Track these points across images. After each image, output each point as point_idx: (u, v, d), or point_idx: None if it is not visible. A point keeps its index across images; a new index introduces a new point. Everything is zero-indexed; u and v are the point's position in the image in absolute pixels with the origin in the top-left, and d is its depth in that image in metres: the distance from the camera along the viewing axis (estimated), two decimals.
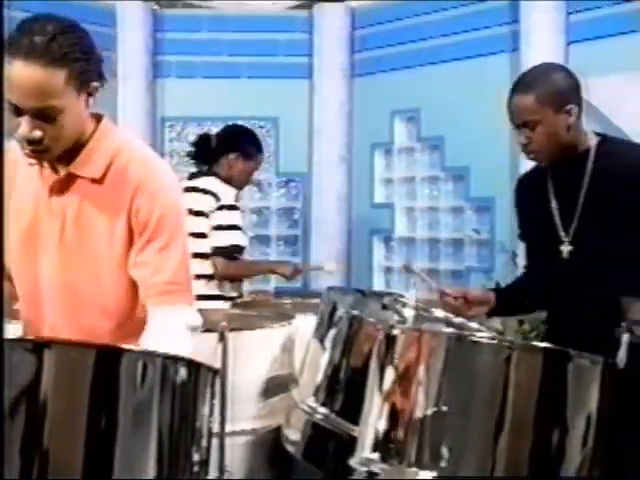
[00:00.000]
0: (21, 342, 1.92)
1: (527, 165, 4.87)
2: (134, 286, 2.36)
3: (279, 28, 6.38)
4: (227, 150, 4.42)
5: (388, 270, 6.19)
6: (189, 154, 4.53)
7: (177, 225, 2.40)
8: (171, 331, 2.30)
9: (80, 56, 2.17)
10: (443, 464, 2.11)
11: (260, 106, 6.19)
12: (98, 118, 2.37)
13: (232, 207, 4.22)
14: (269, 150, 6.33)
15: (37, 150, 2.22)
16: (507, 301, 3.24)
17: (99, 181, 2.32)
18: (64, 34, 2.14)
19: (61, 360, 1.89)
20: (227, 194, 4.24)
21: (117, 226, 2.32)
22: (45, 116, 2.15)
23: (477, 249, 5.65)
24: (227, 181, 4.38)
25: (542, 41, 5.01)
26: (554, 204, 3.07)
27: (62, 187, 2.33)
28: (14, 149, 2.37)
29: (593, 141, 3.00)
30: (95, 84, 2.25)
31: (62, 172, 2.31)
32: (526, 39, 5.12)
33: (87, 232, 2.33)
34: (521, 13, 5.18)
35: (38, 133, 2.16)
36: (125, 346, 2.03)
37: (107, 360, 1.92)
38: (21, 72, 2.10)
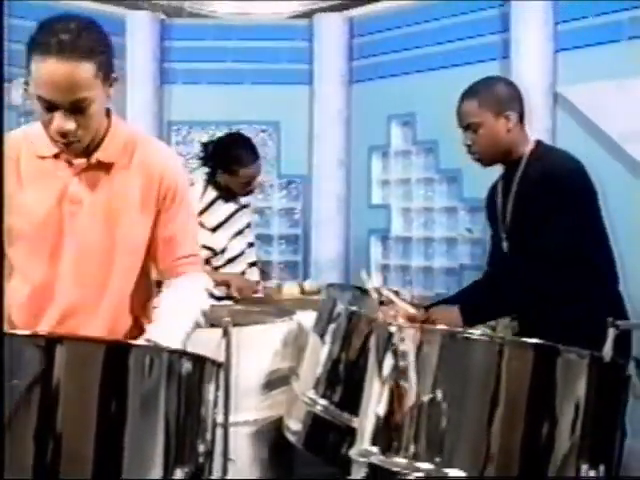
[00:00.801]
0: (34, 338, 1.92)
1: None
2: (139, 267, 2.42)
3: (280, 36, 6.37)
4: (215, 165, 4.36)
5: (385, 268, 6.18)
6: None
7: (190, 204, 2.56)
8: (194, 296, 2.46)
9: (104, 49, 2.24)
10: (439, 455, 2.11)
11: (262, 111, 6.18)
12: (107, 111, 2.40)
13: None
14: (271, 153, 6.34)
15: (71, 142, 2.24)
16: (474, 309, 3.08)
17: (124, 166, 2.37)
18: (87, 30, 2.21)
19: (72, 355, 1.89)
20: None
21: (145, 205, 2.38)
22: (78, 108, 2.18)
23: (470, 247, 5.64)
24: (227, 190, 4.34)
25: (531, 49, 5.00)
26: (498, 204, 3.23)
27: (88, 174, 2.34)
28: (13, 146, 2.36)
29: (529, 148, 3.15)
30: (114, 75, 2.30)
31: (90, 160, 2.33)
32: (516, 47, 5.12)
33: (115, 215, 2.35)
34: (511, 23, 5.18)
35: (72, 125, 2.19)
36: (133, 342, 2.03)
37: (116, 355, 1.92)
38: (54, 69, 2.13)
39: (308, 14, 6.40)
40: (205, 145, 4.52)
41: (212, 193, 4.31)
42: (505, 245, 3.14)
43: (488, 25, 5.39)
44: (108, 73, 2.25)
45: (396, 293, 3.46)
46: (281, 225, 6.43)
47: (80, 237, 2.33)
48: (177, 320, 2.34)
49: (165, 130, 6.29)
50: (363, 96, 6.21)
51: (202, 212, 4.20)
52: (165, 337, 2.21)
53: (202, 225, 4.10)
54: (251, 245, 4.49)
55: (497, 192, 3.27)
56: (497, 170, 5.12)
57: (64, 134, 2.21)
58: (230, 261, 4.31)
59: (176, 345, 2.19)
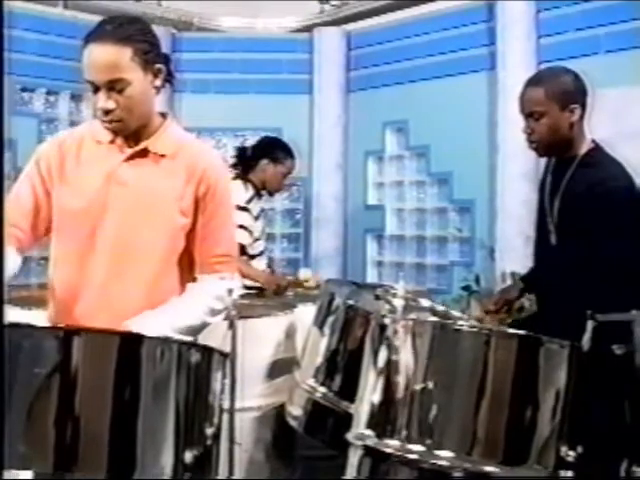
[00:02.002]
0: (54, 330, 1.92)
1: (504, 171, 4.89)
2: (175, 255, 2.41)
3: (283, 49, 6.37)
4: (260, 157, 4.50)
5: (380, 264, 6.18)
6: (230, 165, 4.52)
7: (231, 206, 2.56)
8: (204, 299, 2.39)
9: (143, 39, 2.31)
10: (429, 438, 2.11)
11: (266, 118, 6.18)
12: (164, 115, 2.48)
13: (242, 208, 4.22)
14: None
15: (113, 120, 2.30)
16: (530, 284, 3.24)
17: (171, 157, 2.39)
18: (130, 23, 2.31)
19: (89, 346, 1.89)
20: (239, 197, 4.24)
21: (185, 197, 2.38)
22: (116, 88, 2.25)
23: (459, 246, 5.65)
24: (262, 185, 4.48)
25: (516, 61, 5.01)
26: (547, 198, 3.05)
27: (136, 160, 2.38)
28: (62, 141, 2.45)
29: (585, 148, 2.96)
30: (159, 66, 2.35)
31: (139, 147, 2.38)
32: (502, 59, 5.12)
33: (154, 199, 2.37)
34: (497, 37, 5.19)
35: (112, 104, 2.27)
36: (145, 334, 2.03)
37: (129, 346, 1.92)
38: (95, 51, 2.25)
39: (308, 28, 6.41)
40: (241, 149, 4.66)
41: (251, 190, 4.43)
42: (553, 238, 2.99)
43: (476, 39, 5.40)
44: (149, 61, 2.31)
45: (390, 288, 3.47)
46: (284, 224, 6.44)
47: (121, 217, 2.35)
48: (170, 312, 2.33)
49: None
50: (359, 104, 6.21)
51: (248, 202, 4.37)
52: (141, 325, 2.18)
53: (249, 210, 4.33)
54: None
55: (546, 186, 3.08)
56: (484, 174, 5.09)
57: (106, 112, 2.27)
58: (255, 256, 4.36)
59: (151, 332, 2.10)
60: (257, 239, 4.38)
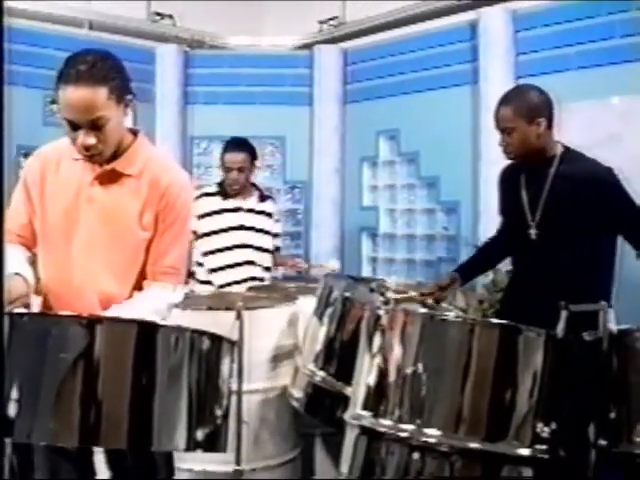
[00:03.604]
0: (78, 318, 1.92)
1: (487, 175, 4.89)
2: (136, 267, 2.37)
3: (286, 65, 6.36)
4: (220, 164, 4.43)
5: (374, 260, 6.18)
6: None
7: (187, 223, 2.47)
8: (152, 303, 2.32)
9: (116, 75, 2.24)
10: (419, 417, 2.12)
11: (270, 127, 6.18)
12: (135, 132, 2.43)
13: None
14: (277, 163, 6.35)
15: (93, 154, 2.27)
16: (469, 273, 3.39)
17: (136, 177, 2.36)
18: (102, 60, 2.23)
19: (110, 333, 1.89)
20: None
21: (147, 212, 2.35)
22: (96, 126, 2.21)
23: (446, 243, 5.64)
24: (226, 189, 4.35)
25: (496, 76, 5.01)
26: (524, 195, 3.09)
27: (105, 179, 2.35)
28: (44, 155, 2.44)
29: (559, 150, 3.04)
30: (129, 97, 2.31)
31: (107, 167, 2.34)
32: (484, 74, 5.12)
33: (119, 215, 2.35)
34: (479, 54, 5.19)
35: (92, 140, 2.23)
36: (161, 322, 2.03)
37: (147, 333, 1.93)
38: (74, 94, 2.17)
39: (309, 46, 6.40)
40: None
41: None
42: (533, 232, 3.03)
43: (460, 56, 5.40)
44: (121, 95, 2.26)
45: (383, 282, 3.47)
46: (286, 224, 6.42)
47: (90, 230, 2.34)
48: (125, 308, 2.28)
49: (188, 144, 6.29)
50: (355, 115, 6.21)
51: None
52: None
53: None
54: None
55: (520, 186, 3.12)
56: (468, 178, 5.10)
57: (87, 148, 2.24)
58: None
59: None
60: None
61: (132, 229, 2.35)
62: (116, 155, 2.35)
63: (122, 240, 2.36)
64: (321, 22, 6.41)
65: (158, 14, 6.26)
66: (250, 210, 4.34)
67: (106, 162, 2.34)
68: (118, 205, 2.35)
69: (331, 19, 6.36)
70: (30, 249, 2.42)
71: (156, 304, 2.33)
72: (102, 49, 2.32)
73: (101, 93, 2.18)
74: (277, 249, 4.57)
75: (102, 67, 2.20)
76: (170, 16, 6.28)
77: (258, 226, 4.35)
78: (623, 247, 3.02)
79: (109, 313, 2.24)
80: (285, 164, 6.38)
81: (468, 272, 3.39)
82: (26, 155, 5.21)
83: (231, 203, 4.31)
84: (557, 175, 3.00)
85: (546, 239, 2.99)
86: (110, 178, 2.36)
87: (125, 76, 2.30)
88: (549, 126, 3.02)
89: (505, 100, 3.05)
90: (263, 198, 4.47)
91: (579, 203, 2.91)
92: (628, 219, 2.96)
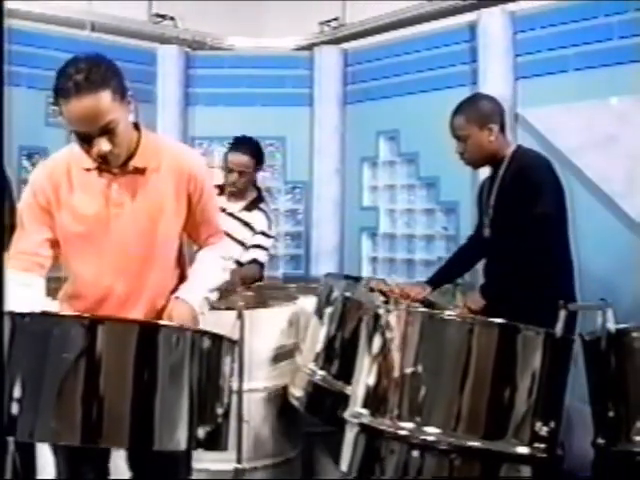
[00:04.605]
0: (80, 318, 1.92)
1: (484, 176, 4.90)
2: (175, 256, 2.47)
3: (286, 66, 6.35)
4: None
5: (374, 260, 6.18)
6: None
7: (213, 189, 2.66)
8: (216, 261, 2.56)
9: (113, 76, 2.20)
10: (418, 416, 2.12)
11: (271, 128, 6.17)
12: (136, 125, 2.38)
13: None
14: (278, 163, 6.34)
15: (110, 160, 2.24)
16: (438, 281, 3.54)
17: (156, 170, 2.36)
18: (96, 65, 2.17)
19: (112, 333, 1.90)
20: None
21: (177, 200, 2.39)
22: (108, 131, 2.17)
23: (445, 243, 5.63)
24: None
25: (495, 77, 5.00)
26: (484, 198, 3.28)
27: (127, 180, 2.33)
28: (51, 170, 2.39)
29: (510, 150, 3.19)
30: (130, 93, 2.27)
31: (127, 168, 2.32)
32: (483, 75, 5.11)
33: (150, 211, 2.35)
34: (479, 55, 5.18)
35: (108, 146, 2.19)
36: (162, 322, 2.04)
37: (148, 333, 1.93)
38: (78, 106, 2.11)
39: (309, 47, 6.40)
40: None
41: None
42: (487, 231, 3.19)
43: (459, 57, 5.39)
44: (123, 94, 2.22)
45: (383, 281, 3.48)
46: (287, 224, 6.42)
47: (123, 235, 2.33)
48: (200, 280, 2.45)
49: (189, 144, 6.29)
50: (355, 115, 6.21)
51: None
52: (189, 294, 2.37)
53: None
54: None
55: (484, 188, 3.31)
56: (467, 178, 5.13)
57: (104, 156, 2.20)
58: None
59: (198, 298, 2.38)
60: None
61: (165, 220, 2.37)
62: (129, 155, 2.32)
63: (157, 233, 2.36)
64: (321, 23, 6.41)
65: (159, 15, 6.25)
66: (230, 214, 4.13)
67: (121, 164, 2.31)
68: (147, 203, 2.35)
69: (331, 20, 6.36)
70: (45, 268, 2.37)
71: (221, 256, 2.58)
72: (91, 52, 2.25)
73: (105, 97, 2.13)
74: (254, 261, 4.10)
75: (98, 71, 2.15)
76: (171, 17, 6.28)
77: (233, 233, 3.99)
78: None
79: (180, 294, 2.36)
80: (285, 164, 6.37)
81: (438, 280, 3.54)
82: (28, 156, 5.28)
83: (220, 201, 4.21)
84: (505, 174, 3.15)
85: (496, 236, 3.12)
86: (131, 176, 2.34)
87: (120, 74, 2.26)
88: (501, 130, 3.19)
89: (458, 110, 3.23)
90: (253, 206, 4.25)
91: (512, 198, 3.04)
92: (527, 217, 2.94)
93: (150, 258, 2.36)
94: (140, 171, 2.34)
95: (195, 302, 2.33)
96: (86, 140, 2.18)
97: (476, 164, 3.26)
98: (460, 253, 3.57)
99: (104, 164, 2.27)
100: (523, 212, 2.92)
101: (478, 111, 3.17)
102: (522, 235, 2.93)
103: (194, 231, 2.51)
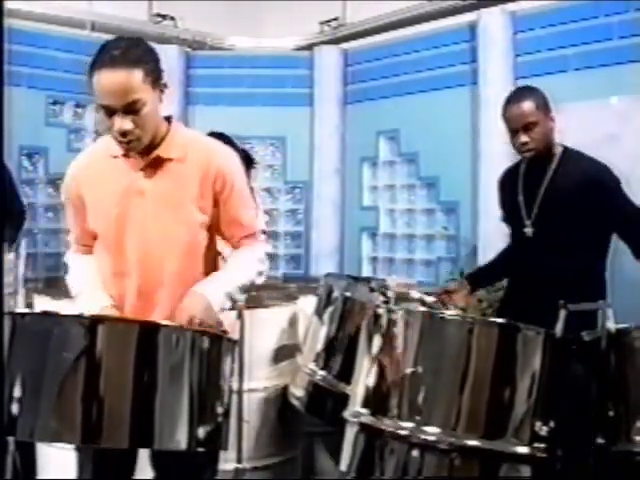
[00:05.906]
0: (80, 318, 1.92)
1: (486, 176, 4.90)
2: (202, 246, 2.39)
3: (286, 66, 6.36)
4: None
5: (374, 260, 6.18)
6: None
7: (245, 187, 2.48)
8: (249, 261, 2.42)
9: (150, 59, 2.22)
10: (418, 415, 2.11)
11: (271, 128, 6.19)
12: (168, 118, 2.39)
13: None
14: (278, 163, 6.35)
15: (130, 140, 2.22)
16: (478, 281, 3.32)
17: (181, 160, 2.33)
18: (135, 45, 2.21)
19: (112, 332, 1.90)
20: None
21: (202, 196, 2.34)
22: (132, 110, 2.17)
23: (446, 243, 5.64)
24: None
25: (496, 77, 5.02)
26: (521, 194, 3.07)
27: (150, 169, 2.32)
28: (76, 165, 2.42)
29: (559, 148, 3.02)
30: (164, 81, 2.28)
31: (151, 156, 2.31)
32: (483, 76, 5.13)
33: (171, 202, 2.33)
34: (479, 55, 5.19)
35: (130, 125, 2.18)
36: (162, 322, 2.03)
37: (148, 333, 1.93)
38: (108, 77, 2.13)
39: (309, 47, 6.40)
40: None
41: None
42: (529, 231, 3.02)
43: (459, 57, 5.40)
44: (156, 79, 2.23)
45: (383, 281, 3.47)
46: (287, 224, 6.43)
47: (143, 224, 2.31)
48: (224, 276, 2.35)
49: None
50: (355, 115, 6.21)
51: None
52: (206, 287, 2.27)
53: None
54: None
55: (518, 186, 3.10)
56: (467, 178, 5.10)
57: (124, 133, 2.19)
58: None
59: (218, 292, 2.27)
60: None
61: (187, 212, 2.33)
62: (155, 144, 2.30)
63: (178, 225, 2.33)
64: (321, 23, 6.42)
65: (160, 15, 6.26)
66: None
67: (146, 153, 2.30)
68: (169, 193, 2.32)
69: (331, 20, 6.37)
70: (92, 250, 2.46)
71: (252, 263, 2.43)
72: (134, 35, 2.31)
73: (136, 75, 2.14)
74: None
75: (136, 51, 2.18)
76: (171, 17, 6.29)
77: None
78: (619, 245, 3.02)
79: (197, 286, 2.27)
80: (286, 164, 6.37)
81: (477, 279, 3.34)
82: (28, 156, 5.28)
83: None
84: (556, 172, 2.98)
85: (542, 236, 2.98)
86: (155, 167, 2.32)
87: (158, 59, 2.28)
88: None
89: (521, 97, 2.99)
90: None
91: (576, 200, 2.90)
92: (624, 218, 2.96)
93: (171, 248, 2.33)
94: (164, 161, 2.32)
95: (213, 295, 2.24)
96: (110, 115, 2.18)
97: (539, 155, 2.98)
98: (501, 257, 3.36)
99: (127, 145, 2.25)
100: (600, 212, 2.88)
101: (544, 98, 2.98)
102: (599, 232, 2.94)
103: (226, 230, 2.42)
